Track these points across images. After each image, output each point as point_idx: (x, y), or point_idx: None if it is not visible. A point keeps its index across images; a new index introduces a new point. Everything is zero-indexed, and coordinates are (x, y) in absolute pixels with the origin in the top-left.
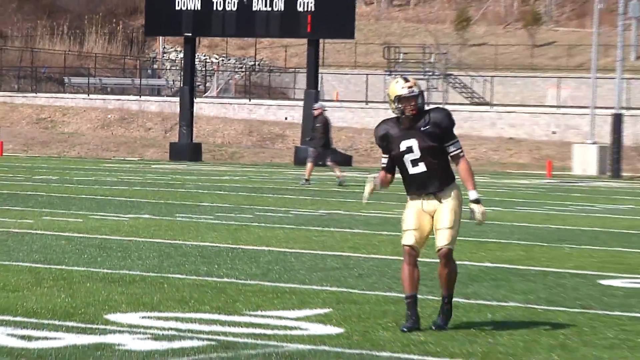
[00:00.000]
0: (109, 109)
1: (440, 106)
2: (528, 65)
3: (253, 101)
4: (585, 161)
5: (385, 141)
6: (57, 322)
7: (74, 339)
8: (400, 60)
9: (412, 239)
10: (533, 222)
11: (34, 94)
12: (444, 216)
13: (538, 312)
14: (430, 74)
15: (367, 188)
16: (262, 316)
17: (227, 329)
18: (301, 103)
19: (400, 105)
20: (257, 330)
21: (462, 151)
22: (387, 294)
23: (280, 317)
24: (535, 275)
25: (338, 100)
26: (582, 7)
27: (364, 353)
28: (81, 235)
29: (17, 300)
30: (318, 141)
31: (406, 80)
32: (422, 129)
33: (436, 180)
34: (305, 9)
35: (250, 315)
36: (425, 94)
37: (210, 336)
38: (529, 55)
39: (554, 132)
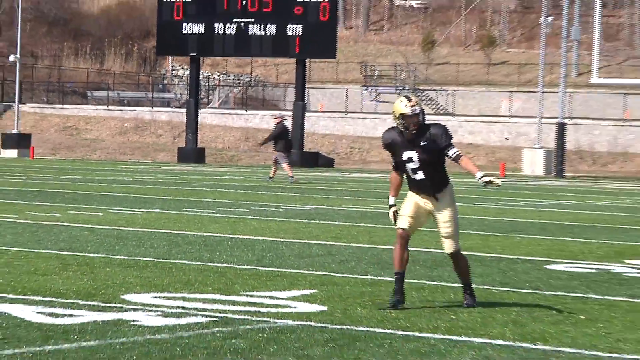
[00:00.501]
0: (125, 118)
1: (439, 122)
2: (484, 81)
3: (249, 112)
4: (533, 163)
5: (391, 148)
6: (80, 302)
7: (95, 316)
8: (376, 77)
9: (406, 223)
10: (489, 215)
11: (60, 106)
12: (445, 224)
13: (493, 292)
14: (401, 88)
15: (391, 215)
16: (257, 296)
17: (227, 307)
18: (291, 113)
19: (404, 122)
20: (253, 309)
21: (459, 153)
22: (365, 277)
23: (272, 297)
24: (491, 261)
25: (322, 111)
26: (531, 31)
27: (344, 328)
28: (101, 227)
29: (46, 283)
30: (280, 144)
31: (409, 100)
32: (422, 143)
33: (433, 185)
34: (294, 33)
35: (247, 295)
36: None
37: (212, 313)
38: (485, 73)
39: (506, 139)
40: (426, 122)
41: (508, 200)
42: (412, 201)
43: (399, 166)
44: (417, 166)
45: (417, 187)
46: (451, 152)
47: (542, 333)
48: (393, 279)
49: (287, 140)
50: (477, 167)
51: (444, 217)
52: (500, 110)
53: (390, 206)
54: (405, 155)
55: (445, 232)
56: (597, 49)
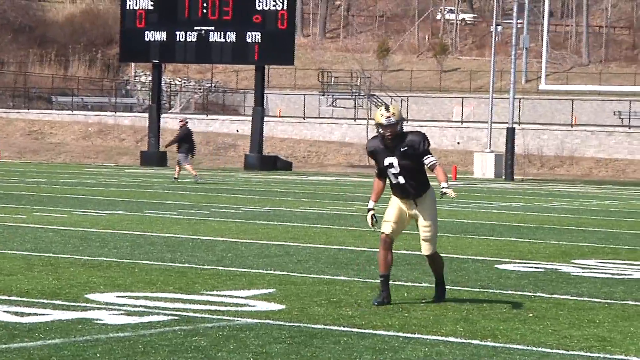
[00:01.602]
0: (89, 122)
1: (419, 130)
2: (437, 87)
3: (210, 116)
4: (484, 167)
5: (373, 155)
6: (45, 301)
7: (59, 314)
8: (332, 83)
9: (389, 228)
10: (441, 216)
11: (26, 110)
12: (425, 227)
13: (445, 291)
14: (357, 94)
15: (368, 219)
16: (217, 295)
17: (188, 306)
18: (250, 118)
19: (381, 130)
20: (213, 307)
21: (435, 161)
22: (321, 276)
23: (232, 296)
24: (443, 260)
25: (281, 116)
26: (482, 39)
27: (302, 326)
28: (66, 228)
29: (11, 283)
30: (184, 147)
31: (387, 110)
32: (401, 149)
33: (414, 189)
34: (253, 40)
35: (208, 294)
36: (352, 111)
37: (173, 312)
38: (437, 79)
39: (458, 143)
40: (405, 130)
41: (459, 202)
42: (395, 206)
43: (382, 172)
44: (397, 171)
45: (399, 191)
46: (427, 161)
47: (492, 330)
48: (350, 279)
49: (190, 143)
50: (445, 178)
51: (424, 221)
52: (452, 115)
53: (369, 210)
54: (387, 162)
55: (424, 235)
56: (545, 57)
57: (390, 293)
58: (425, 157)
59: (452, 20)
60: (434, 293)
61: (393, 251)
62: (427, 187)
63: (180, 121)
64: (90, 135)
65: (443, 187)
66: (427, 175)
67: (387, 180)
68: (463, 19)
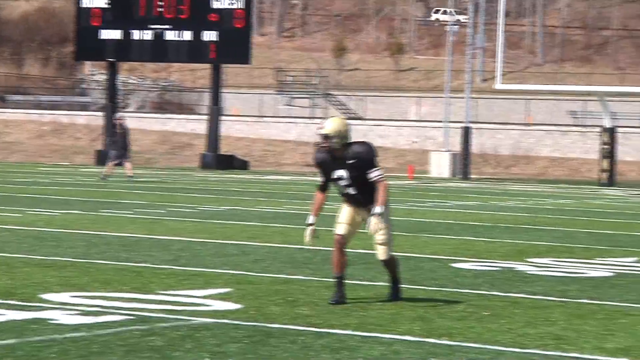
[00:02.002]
0: (44, 121)
1: (364, 140)
2: (393, 86)
3: (166, 115)
4: (440, 166)
5: (321, 167)
6: None
7: (13, 314)
8: (289, 82)
9: (342, 229)
10: (397, 215)
11: None
12: (379, 232)
13: (402, 290)
14: (313, 93)
15: (306, 234)
16: (174, 295)
17: (144, 305)
18: (206, 117)
19: (319, 141)
20: (169, 307)
21: (381, 177)
22: (278, 275)
23: (188, 296)
24: (399, 259)
25: (237, 115)
26: (438, 38)
27: (259, 325)
28: (20, 227)
29: None
30: (118, 145)
31: (324, 123)
32: (348, 162)
33: (365, 198)
34: (210, 39)
35: (164, 294)
36: (309, 110)
37: (129, 312)
38: (394, 79)
39: (414, 142)
40: (352, 140)
41: (416, 201)
42: (348, 210)
43: (326, 185)
44: (348, 183)
45: (350, 201)
46: (372, 175)
47: (448, 329)
48: (307, 278)
49: (124, 141)
50: (382, 201)
51: (376, 222)
52: (409, 114)
53: (308, 225)
54: (336, 174)
55: (379, 240)
56: (501, 56)
57: (345, 293)
58: (371, 171)
59: (447, 21)
60: (392, 292)
61: (346, 250)
62: None
63: (116, 119)
64: (45, 134)
65: (374, 211)
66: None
67: (336, 191)
68: (458, 20)
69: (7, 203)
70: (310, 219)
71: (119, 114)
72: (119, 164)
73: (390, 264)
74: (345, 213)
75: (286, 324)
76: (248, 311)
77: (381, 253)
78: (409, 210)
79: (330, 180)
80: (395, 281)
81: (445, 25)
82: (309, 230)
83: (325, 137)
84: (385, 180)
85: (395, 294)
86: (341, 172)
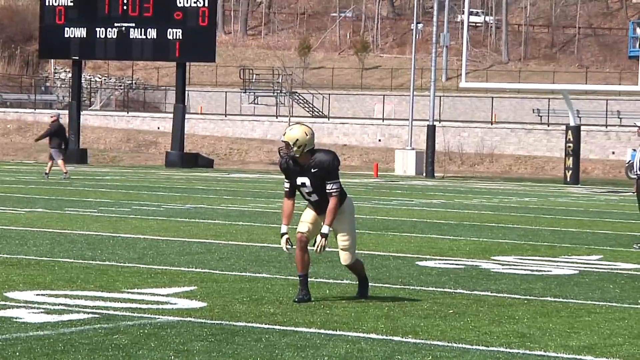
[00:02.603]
0: (8, 119)
1: (329, 150)
2: (358, 85)
3: (131, 114)
4: (405, 164)
5: (285, 171)
6: None
7: None
8: (254, 80)
9: (304, 227)
10: (362, 213)
11: None
12: (342, 237)
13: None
14: (279, 91)
15: (283, 243)
16: (138, 293)
17: (108, 304)
18: (171, 115)
19: (282, 147)
20: (134, 305)
21: (336, 191)
22: (243, 274)
23: (153, 294)
24: (364, 257)
25: (202, 113)
26: (403, 37)
27: (224, 323)
28: None
29: None
30: (55, 142)
31: (286, 130)
32: (312, 170)
33: (326, 205)
34: (174, 37)
35: (128, 292)
36: (274, 108)
37: (94, 310)
38: (359, 77)
39: (379, 140)
40: (317, 148)
41: (380, 199)
42: (310, 211)
43: (292, 191)
44: (311, 190)
45: (313, 206)
46: (328, 187)
47: (413, 327)
48: (271, 276)
49: (62, 138)
50: (330, 220)
51: (340, 231)
52: (374, 113)
53: (282, 234)
54: (299, 181)
55: (342, 245)
56: (465, 55)
57: (309, 291)
58: (328, 183)
59: (472, 22)
60: (356, 290)
61: (312, 248)
62: (344, 200)
63: (52, 116)
64: (9, 133)
65: (322, 231)
66: (342, 186)
67: (300, 194)
68: (485, 21)
69: None
70: (283, 229)
71: (54, 111)
72: (54, 159)
73: (354, 267)
74: (308, 213)
75: (251, 322)
76: (213, 309)
77: (344, 258)
78: (374, 208)
79: (294, 185)
80: (362, 280)
81: (478, 26)
82: (284, 239)
83: (286, 143)
84: (337, 196)
85: (363, 292)
86: (304, 179)
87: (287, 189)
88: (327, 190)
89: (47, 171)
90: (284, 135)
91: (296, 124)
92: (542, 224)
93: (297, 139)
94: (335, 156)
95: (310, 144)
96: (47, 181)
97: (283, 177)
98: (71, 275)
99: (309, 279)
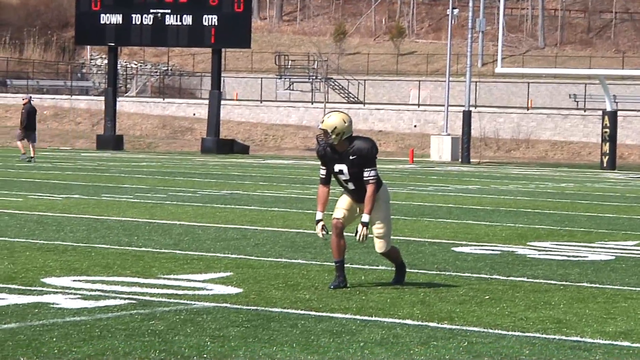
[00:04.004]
0: (45, 106)
1: (368, 137)
2: (394, 70)
3: (166, 100)
4: (440, 150)
5: (322, 159)
6: (0, 285)
7: (15, 299)
8: (289, 67)
9: (340, 214)
10: (398, 199)
11: None
12: (378, 225)
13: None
14: (314, 77)
15: (318, 230)
16: (174, 279)
17: (144, 290)
18: (207, 102)
19: (320, 134)
20: (170, 291)
21: (373, 178)
22: (279, 260)
23: (189, 280)
24: (400, 243)
25: (237, 100)
26: (438, 22)
27: (259, 309)
28: (22, 212)
29: None
30: (24, 124)
31: (324, 117)
32: (350, 157)
33: (364, 194)
34: (210, 24)
35: (164, 278)
36: (310, 94)
37: (130, 296)
38: (394, 63)
39: (415, 126)
40: (355, 135)
41: (416, 185)
42: (346, 198)
43: (328, 178)
44: (347, 177)
45: (349, 195)
46: (366, 174)
47: (449, 312)
48: (307, 262)
49: (31, 121)
50: (369, 209)
51: (376, 219)
52: (409, 98)
53: (318, 221)
54: (337, 168)
55: (377, 233)
56: (502, 40)
57: (346, 277)
58: (366, 170)
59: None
60: (392, 276)
61: (348, 233)
62: (380, 187)
63: (23, 99)
64: (45, 119)
65: (362, 220)
66: (379, 173)
67: (335, 181)
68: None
69: (8, 187)
70: (319, 215)
71: (27, 95)
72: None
73: (390, 255)
74: (344, 199)
75: (287, 308)
76: (249, 295)
77: (379, 246)
78: (409, 194)
79: (331, 172)
80: (399, 267)
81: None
82: (319, 226)
83: (323, 131)
84: (375, 184)
85: (399, 278)
86: (342, 167)
87: (323, 176)
88: (365, 178)
89: (32, 155)
90: (321, 123)
91: (333, 111)
92: (579, 210)
93: (336, 127)
94: (374, 144)
95: (348, 132)
96: (83, 167)
97: (319, 163)
98: (107, 261)
99: (345, 265)
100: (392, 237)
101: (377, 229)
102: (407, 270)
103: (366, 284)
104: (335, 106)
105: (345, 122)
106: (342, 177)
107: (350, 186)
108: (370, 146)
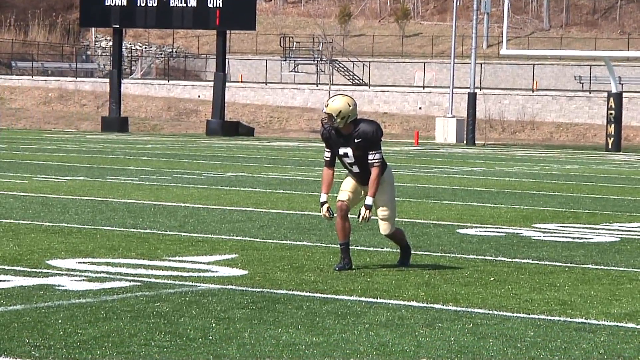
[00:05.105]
0: (49, 88)
1: (372, 120)
2: (399, 52)
3: (171, 82)
4: (446, 132)
5: (327, 142)
6: (6, 267)
7: (20, 281)
8: (294, 49)
9: (345, 196)
10: (403, 181)
11: None
12: (382, 207)
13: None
14: (319, 59)
15: (323, 211)
16: (180, 261)
17: (150, 272)
18: (211, 84)
19: (324, 118)
20: (175, 273)
21: (378, 161)
22: (284, 241)
23: (194, 262)
24: (405, 225)
25: (242, 82)
26: (443, 4)
27: (264, 291)
28: (26, 194)
29: None
30: None
31: (328, 101)
32: (355, 140)
33: (368, 177)
34: (215, 5)
35: (170, 260)
36: (314, 76)
37: (136, 278)
38: (399, 44)
39: (420, 108)
40: (359, 118)
41: (421, 167)
42: (350, 180)
43: (333, 161)
44: (352, 161)
45: (354, 178)
46: (370, 157)
47: (454, 294)
48: (313, 244)
49: None
50: (373, 192)
51: (380, 202)
52: (414, 80)
53: (322, 203)
54: (341, 151)
55: (381, 215)
56: (507, 22)
57: (351, 259)
58: (371, 153)
59: None
60: (396, 258)
61: (352, 216)
62: (384, 170)
63: None
64: (50, 101)
65: (365, 202)
66: (384, 156)
67: (341, 164)
68: None
69: (14, 169)
70: (323, 197)
71: None
72: None
73: (394, 237)
74: (348, 182)
75: (292, 289)
76: (254, 277)
77: (383, 228)
78: (414, 176)
79: (336, 155)
80: (403, 248)
81: None
82: (324, 207)
83: (328, 115)
84: (379, 166)
85: (404, 261)
86: (347, 150)
87: (328, 159)
88: (369, 161)
89: None
90: (326, 106)
91: (337, 94)
92: (584, 192)
93: (340, 111)
94: (379, 127)
95: (353, 115)
96: (88, 149)
97: (324, 145)
98: (113, 243)
99: (350, 247)
100: (397, 219)
101: (382, 211)
102: (412, 252)
103: (371, 265)
104: (340, 88)
105: (350, 106)
106: (347, 160)
107: (355, 169)
108: (375, 129)
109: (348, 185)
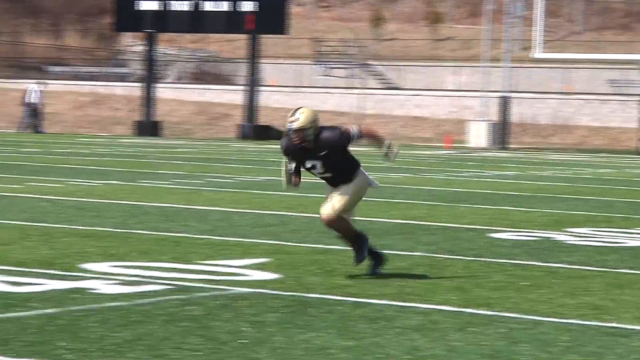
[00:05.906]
0: (83, 92)
1: (333, 125)
2: (431, 56)
3: (204, 86)
4: (478, 135)
5: (288, 155)
6: (40, 271)
7: (54, 284)
8: (326, 53)
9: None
10: (435, 185)
11: (20, 80)
12: (337, 193)
13: (439, 260)
14: (351, 63)
15: (283, 174)
16: (212, 265)
17: (182, 275)
18: (243, 88)
19: (290, 134)
20: (208, 277)
21: (357, 130)
22: (316, 245)
23: (226, 266)
24: (437, 229)
25: (275, 86)
26: (476, 7)
27: (297, 295)
28: (61, 198)
29: (7, 252)
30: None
31: (292, 114)
32: (321, 154)
33: (342, 179)
34: (247, 10)
35: (202, 264)
36: (346, 80)
37: (168, 281)
38: (432, 48)
39: (452, 112)
40: (322, 125)
41: (453, 171)
42: (328, 186)
43: (298, 171)
44: (322, 170)
45: (330, 182)
46: (355, 137)
47: (486, 299)
48: (344, 248)
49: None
50: (380, 140)
51: (340, 190)
52: (447, 84)
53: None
54: (309, 163)
55: (332, 199)
56: (540, 25)
57: (377, 255)
58: (351, 141)
59: None
60: (429, 262)
61: (384, 220)
62: (356, 170)
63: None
64: (84, 105)
65: (389, 144)
66: (353, 156)
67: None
68: None
69: (47, 174)
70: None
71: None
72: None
73: (338, 229)
74: (328, 189)
75: (324, 293)
76: (286, 281)
77: (324, 212)
78: (446, 180)
79: (302, 167)
80: (353, 247)
81: None
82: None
83: (299, 130)
84: (364, 126)
85: (358, 257)
86: (314, 162)
87: (291, 171)
88: (356, 139)
89: None
90: (293, 123)
91: (297, 108)
92: (617, 196)
93: (312, 121)
94: (342, 131)
95: (318, 124)
96: (121, 153)
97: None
98: (145, 247)
99: (379, 250)
100: (428, 223)
101: (336, 196)
102: (445, 256)
103: (403, 270)
104: (373, 91)
105: (316, 115)
106: (316, 171)
107: (326, 175)
108: (338, 135)
109: (329, 192)
